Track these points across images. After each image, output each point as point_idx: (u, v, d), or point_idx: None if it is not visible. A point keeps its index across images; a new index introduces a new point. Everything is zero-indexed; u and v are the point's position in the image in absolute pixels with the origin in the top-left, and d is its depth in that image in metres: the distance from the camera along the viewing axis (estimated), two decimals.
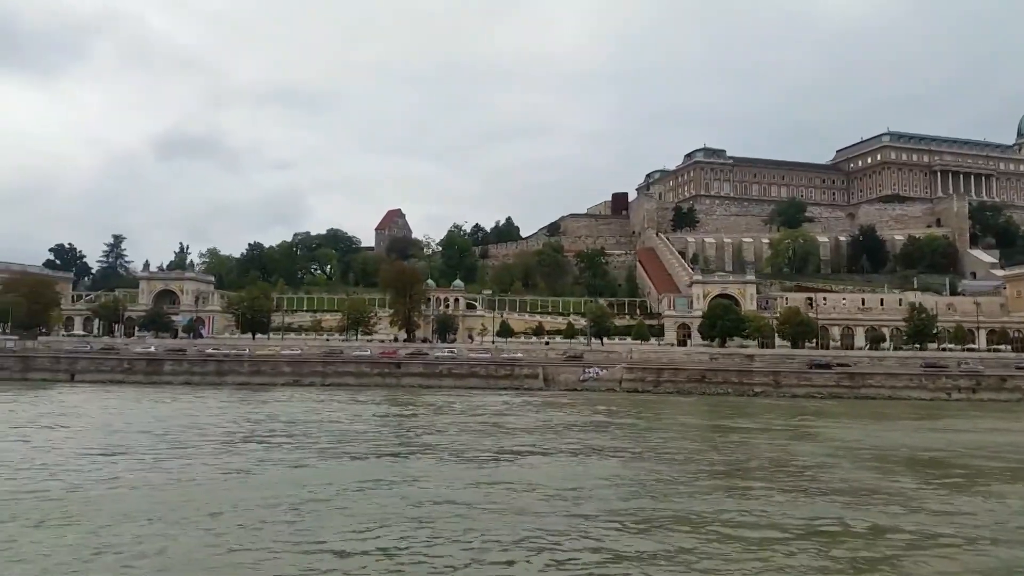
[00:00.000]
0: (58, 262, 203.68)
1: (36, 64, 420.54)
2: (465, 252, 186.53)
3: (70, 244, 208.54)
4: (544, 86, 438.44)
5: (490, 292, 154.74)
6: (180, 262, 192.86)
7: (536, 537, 25.29)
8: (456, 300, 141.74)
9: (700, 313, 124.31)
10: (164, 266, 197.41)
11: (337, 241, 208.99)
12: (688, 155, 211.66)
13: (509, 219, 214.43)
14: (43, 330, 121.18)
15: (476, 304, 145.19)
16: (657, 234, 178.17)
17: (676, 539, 25.58)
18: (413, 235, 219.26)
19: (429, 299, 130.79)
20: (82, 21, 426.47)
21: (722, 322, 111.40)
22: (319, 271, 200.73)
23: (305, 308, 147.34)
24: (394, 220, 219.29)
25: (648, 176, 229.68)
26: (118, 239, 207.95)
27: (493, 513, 28.51)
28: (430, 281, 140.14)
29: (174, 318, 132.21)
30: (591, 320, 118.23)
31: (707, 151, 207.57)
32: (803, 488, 34.80)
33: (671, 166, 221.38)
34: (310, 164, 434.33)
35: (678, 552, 24.19)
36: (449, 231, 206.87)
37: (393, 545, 24.18)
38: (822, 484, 35.83)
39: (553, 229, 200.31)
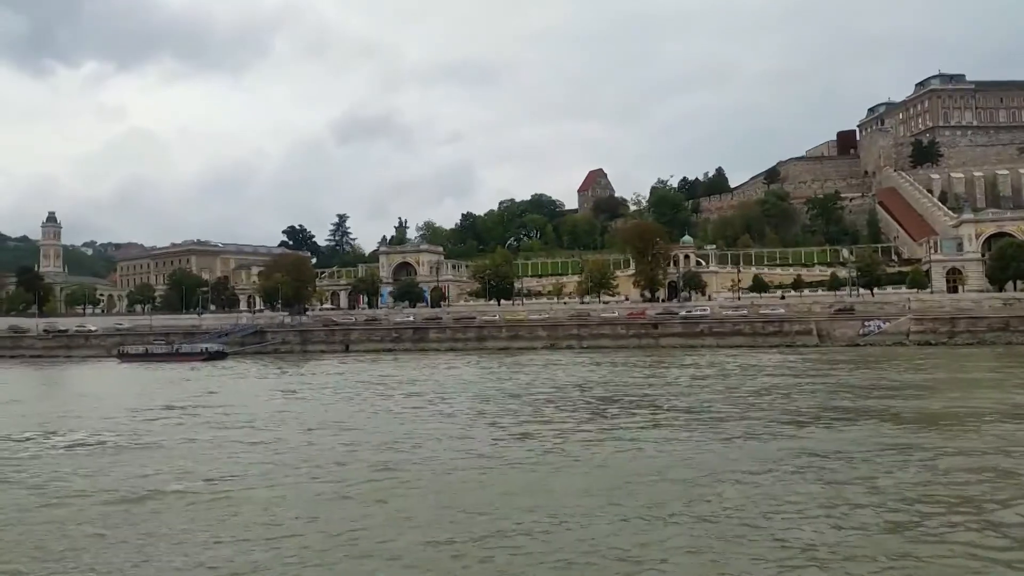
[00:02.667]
0: (291, 242, 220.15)
1: (227, 64, 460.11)
2: (678, 207, 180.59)
3: (300, 225, 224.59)
4: (718, 30, 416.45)
5: (714, 246, 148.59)
6: (401, 236, 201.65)
7: None
8: (686, 256, 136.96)
9: (974, 255, 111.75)
10: (388, 240, 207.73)
11: (541, 206, 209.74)
12: (920, 83, 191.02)
13: (720, 170, 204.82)
14: (306, 306, 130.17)
15: (702, 261, 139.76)
16: (898, 172, 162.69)
17: None
18: (616, 194, 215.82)
19: (681, 257, 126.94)
20: (265, 19, 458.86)
21: (1017, 264, 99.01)
22: (528, 237, 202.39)
23: (529, 273, 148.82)
24: (596, 180, 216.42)
25: (871, 111, 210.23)
26: (342, 218, 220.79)
27: None
28: (687, 238, 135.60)
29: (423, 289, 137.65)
30: (858, 270, 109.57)
31: (943, 77, 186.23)
32: None
33: (896, 98, 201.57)
34: (480, 136, 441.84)
35: None
36: (653, 187, 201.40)
37: None
38: None
39: (772, 175, 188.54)
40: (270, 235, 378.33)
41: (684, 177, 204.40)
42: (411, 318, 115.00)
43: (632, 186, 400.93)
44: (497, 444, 30.92)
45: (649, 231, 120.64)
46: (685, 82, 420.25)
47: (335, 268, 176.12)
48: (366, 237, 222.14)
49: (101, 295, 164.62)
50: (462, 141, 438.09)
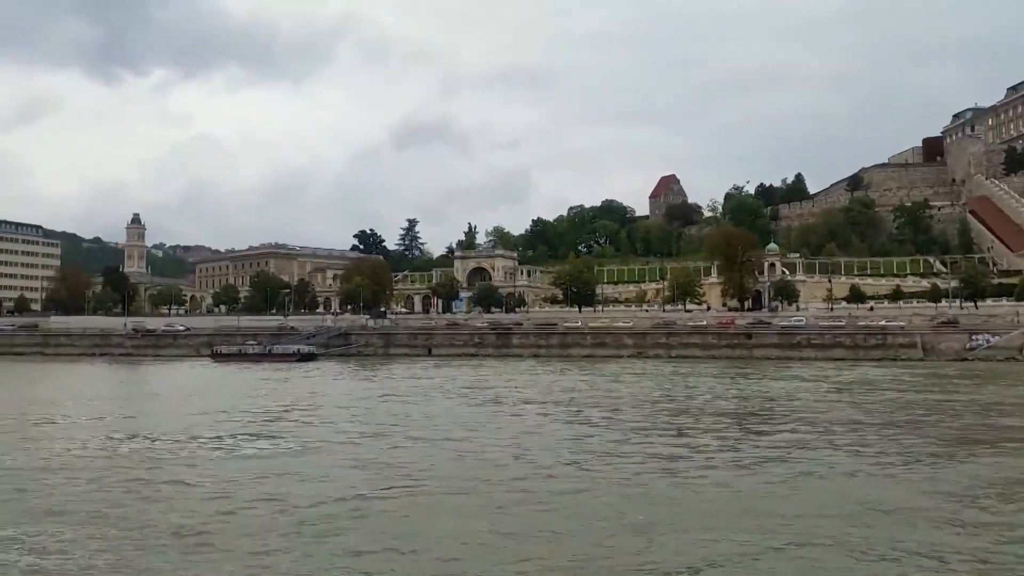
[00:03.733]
0: (361, 246, 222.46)
1: (289, 72, 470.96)
2: (756, 214, 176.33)
3: (371, 230, 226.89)
4: (776, 31, 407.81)
5: (797, 255, 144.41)
6: (470, 241, 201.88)
7: None
8: (771, 265, 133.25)
9: None
10: (457, 245, 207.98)
11: (612, 212, 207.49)
12: (1013, 88, 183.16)
13: (799, 176, 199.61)
14: (384, 310, 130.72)
15: (786, 270, 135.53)
16: (991, 180, 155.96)
17: None
18: (688, 200, 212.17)
19: (765, 265, 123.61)
20: (326, 27, 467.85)
21: None
22: (598, 244, 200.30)
23: (605, 280, 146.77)
24: (669, 187, 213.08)
25: (956, 116, 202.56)
26: (412, 223, 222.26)
27: None
28: (773, 245, 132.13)
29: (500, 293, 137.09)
30: (961, 281, 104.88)
31: None
32: None
33: (983, 103, 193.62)
34: (534, 141, 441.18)
35: None
36: (727, 193, 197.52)
37: None
38: None
39: (854, 182, 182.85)
40: (328, 239, 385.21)
41: (761, 183, 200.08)
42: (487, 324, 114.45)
43: (701, 193, 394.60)
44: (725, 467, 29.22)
45: (737, 238, 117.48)
46: (743, 84, 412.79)
47: (406, 272, 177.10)
48: (426, 242, 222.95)
49: (185, 295, 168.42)
50: (518, 146, 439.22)
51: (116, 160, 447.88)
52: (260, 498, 22.50)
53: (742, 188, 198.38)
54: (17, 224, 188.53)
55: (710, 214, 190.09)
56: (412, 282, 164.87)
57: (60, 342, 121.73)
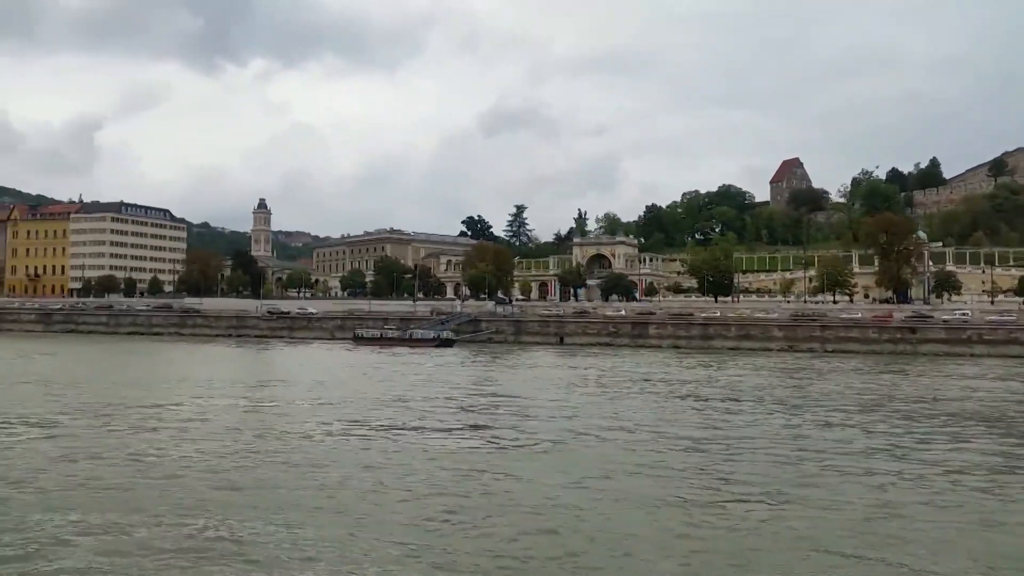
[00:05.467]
0: (469, 233, 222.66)
1: (382, 62, 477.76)
2: (890, 200, 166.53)
3: (479, 216, 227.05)
4: (882, 12, 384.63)
5: (939, 243, 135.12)
6: (581, 228, 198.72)
7: None
8: (920, 255, 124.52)
9: None
10: (562, 233, 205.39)
11: (730, 198, 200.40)
12: None
13: (934, 160, 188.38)
14: (507, 297, 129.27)
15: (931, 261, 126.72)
16: None
17: None
18: (812, 185, 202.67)
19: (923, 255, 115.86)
20: (418, 16, 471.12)
21: None
22: (715, 231, 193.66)
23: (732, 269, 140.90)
24: (791, 171, 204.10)
25: None
26: (520, 209, 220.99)
27: None
28: (921, 233, 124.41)
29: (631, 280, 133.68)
30: None
31: None
32: None
33: None
34: (625, 127, 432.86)
35: None
36: (854, 178, 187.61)
37: None
38: None
39: (997, 167, 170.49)
40: (418, 224, 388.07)
41: (893, 167, 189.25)
42: (623, 312, 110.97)
43: (818, 178, 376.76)
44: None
45: (895, 225, 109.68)
46: (846, 67, 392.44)
47: (516, 259, 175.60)
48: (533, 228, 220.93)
49: (313, 279, 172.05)
50: (608, 132, 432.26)
51: (218, 148, 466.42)
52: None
53: (871, 173, 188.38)
54: (147, 208, 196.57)
55: (840, 200, 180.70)
56: (527, 268, 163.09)
57: (197, 323, 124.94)
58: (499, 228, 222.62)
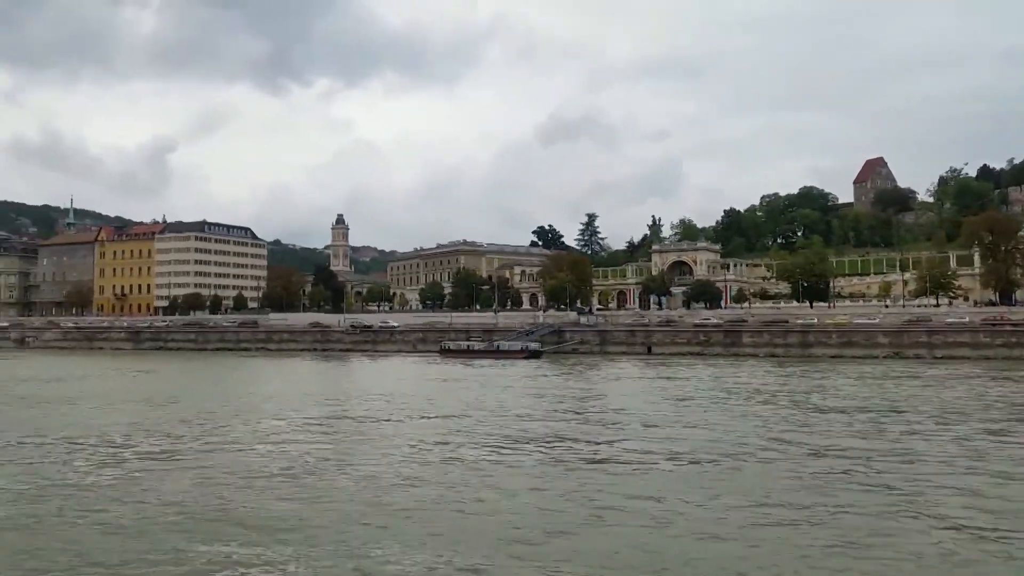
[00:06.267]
0: (540, 243, 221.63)
1: (441, 76, 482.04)
2: (984, 198, 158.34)
3: (550, 225, 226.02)
4: (952, 6, 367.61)
5: None
6: (655, 234, 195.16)
7: None
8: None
9: None
10: (635, 241, 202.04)
11: (812, 200, 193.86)
12: None
13: None
14: (589, 307, 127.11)
15: None
16: None
17: None
18: (898, 184, 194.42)
19: None
20: (477, 30, 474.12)
21: None
22: (797, 233, 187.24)
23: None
24: (876, 170, 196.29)
25: None
26: (591, 217, 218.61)
27: None
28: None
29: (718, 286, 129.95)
30: None
31: None
32: None
33: None
34: (685, 131, 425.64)
35: None
36: (941, 176, 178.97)
37: None
38: None
39: None
40: (478, 235, 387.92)
41: (984, 164, 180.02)
42: (711, 320, 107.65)
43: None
44: None
45: (1000, 223, 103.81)
46: (914, 65, 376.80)
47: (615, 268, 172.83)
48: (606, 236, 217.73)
49: (392, 292, 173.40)
50: (668, 138, 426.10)
51: (284, 166, 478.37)
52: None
53: (959, 170, 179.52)
54: (229, 227, 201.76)
55: (928, 199, 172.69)
56: (604, 277, 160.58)
57: (283, 338, 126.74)
58: (569, 238, 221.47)
